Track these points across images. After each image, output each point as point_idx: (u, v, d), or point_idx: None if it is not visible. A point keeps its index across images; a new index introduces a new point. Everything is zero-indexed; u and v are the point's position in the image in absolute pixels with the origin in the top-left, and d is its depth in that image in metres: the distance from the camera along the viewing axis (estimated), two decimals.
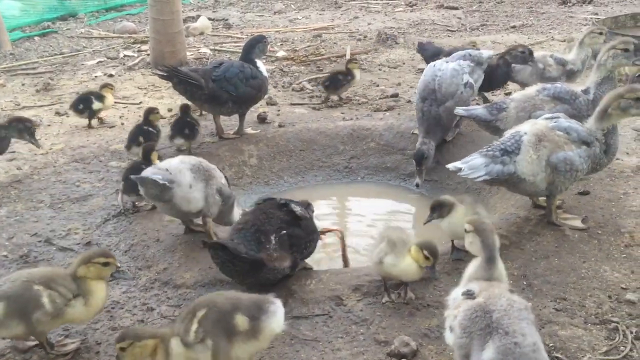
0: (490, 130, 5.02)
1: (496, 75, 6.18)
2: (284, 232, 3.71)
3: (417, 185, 5.56)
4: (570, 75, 6.14)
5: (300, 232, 3.81)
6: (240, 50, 6.43)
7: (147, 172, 4.06)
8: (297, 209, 3.86)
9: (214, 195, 4.25)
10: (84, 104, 6.66)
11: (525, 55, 6.01)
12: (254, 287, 3.56)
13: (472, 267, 3.02)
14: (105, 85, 6.79)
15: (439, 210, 3.92)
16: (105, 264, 3.21)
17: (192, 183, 4.13)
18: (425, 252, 3.43)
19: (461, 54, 6.00)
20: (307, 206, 4.13)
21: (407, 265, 3.49)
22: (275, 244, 3.65)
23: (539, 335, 2.56)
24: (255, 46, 6.19)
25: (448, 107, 5.54)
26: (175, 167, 4.13)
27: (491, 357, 2.47)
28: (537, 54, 6.29)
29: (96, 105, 6.67)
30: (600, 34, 6.06)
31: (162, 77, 5.73)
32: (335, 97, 7.34)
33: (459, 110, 5.03)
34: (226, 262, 3.54)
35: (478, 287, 2.77)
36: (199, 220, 4.49)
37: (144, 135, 5.58)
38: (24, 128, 5.49)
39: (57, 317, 3.14)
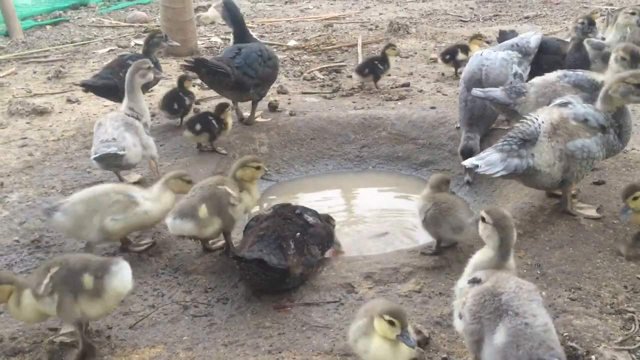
0: (507, 114, 4.92)
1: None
2: (299, 234, 3.74)
3: (469, 183, 5.28)
4: (606, 57, 5.99)
5: (321, 231, 3.94)
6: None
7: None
8: (310, 219, 3.93)
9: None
10: (450, 55, 7.64)
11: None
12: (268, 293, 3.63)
13: (480, 257, 2.91)
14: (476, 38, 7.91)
15: None
16: (258, 168, 4.05)
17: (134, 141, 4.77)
18: (387, 317, 2.63)
19: (508, 43, 5.70)
20: (327, 219, 4.20)
21: (378, 348, 2.71)
22: (294, 249, 3.65)
23: (549, 317, 2.51)
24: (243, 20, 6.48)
25: None
26: (119, 135, 4.70)
27: (503, 340, 2.40)
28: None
29: (461, 56, 7.55)
30: (633, 13, 5.98)
31: (188, 68, 5.64)
32: None
33: (477, 92, 4.84)
34: (258, 274, 3.50)
35: (484, 275, 2.71)
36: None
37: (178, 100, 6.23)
38: (159, 37, 6.29)
39: (242, 203, 3.96)
